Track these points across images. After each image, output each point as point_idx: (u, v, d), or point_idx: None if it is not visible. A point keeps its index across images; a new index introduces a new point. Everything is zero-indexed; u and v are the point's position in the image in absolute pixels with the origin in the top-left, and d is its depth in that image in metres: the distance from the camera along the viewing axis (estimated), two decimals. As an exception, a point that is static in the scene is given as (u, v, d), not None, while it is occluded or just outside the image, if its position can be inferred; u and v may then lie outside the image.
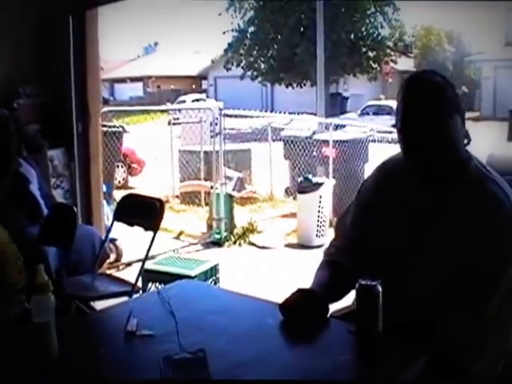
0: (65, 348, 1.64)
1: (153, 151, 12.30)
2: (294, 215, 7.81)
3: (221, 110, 7.77)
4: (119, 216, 3.87)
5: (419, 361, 1.64)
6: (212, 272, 4.53)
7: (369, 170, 8.54)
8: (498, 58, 27.17)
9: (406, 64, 33.50)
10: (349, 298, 2.07)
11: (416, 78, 1.92)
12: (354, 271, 1.94)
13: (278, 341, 1.85)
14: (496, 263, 1.75)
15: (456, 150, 1.82)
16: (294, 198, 9.05)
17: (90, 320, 2.27)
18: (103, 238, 4.15)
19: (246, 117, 11.71)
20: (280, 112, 11.50)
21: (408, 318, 1.79)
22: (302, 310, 1.84)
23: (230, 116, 8.30)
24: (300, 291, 1.90)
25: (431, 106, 1.77)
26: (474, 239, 1.76)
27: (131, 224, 3.76)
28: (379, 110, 21.82)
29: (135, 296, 3.42)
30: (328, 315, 1.94)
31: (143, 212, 3.65)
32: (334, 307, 2.06)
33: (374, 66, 24.45)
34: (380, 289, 1.66)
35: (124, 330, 1.81)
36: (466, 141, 1.84)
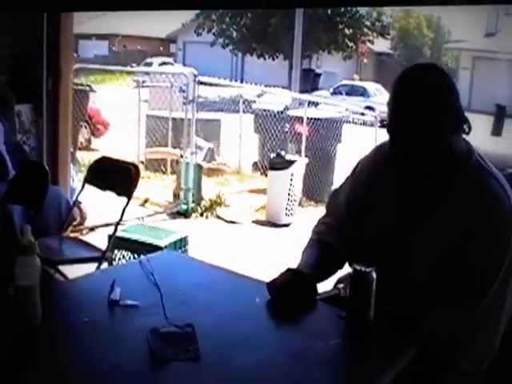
0: (47, 315, 1.60)
1: (118, 113, 11.97)
2: (262, 191, 7.69)
3: (195, 76, 7.51)
4: (90, 179, 3.75)
5: (409, 351, 1.62)
6: (181, 243, 4.46)
7: (341, 150, 8.47)
8: (477, 48, 27.29)
9: (382, 45, 33.51)
10: (330, 282, 2.09)
11: (409, 72, 1.82)
12: (342, 253, 1.97)
13: (266, 321, 1.84)
14: (491, 261, 1.71)
15: (450, 147, 1.76)
16: (263, 174, 8.94)
17: (69, 287, 2.18)
18: (69, 199, 4.04)
19: (215, 85, 11.44)
20: (251, 83, 11.28)
21: (396, 308, 1.78)
22: (290, 290, 1.83)
23: (201, 83, 8.07)
24: (289, 271, 1.90)
25: (424, 114, 1.70)
26: (468, 235, 1.71)
27: (103, 188, 3.68)
28: (352, 91, 21.72)
29: (105, 264, 3.36)
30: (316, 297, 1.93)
31: (117, 177, 3.58)
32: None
33: (350, 44, 24.33)
34: (374, 275, 1.65)
35: (107, 299, 1.77)
36: (466, 129, 1.76)
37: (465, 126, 1.75)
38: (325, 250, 2.01)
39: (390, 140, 1.80)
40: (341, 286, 2.08)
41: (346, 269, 2.04)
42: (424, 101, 1.70)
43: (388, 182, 1.89)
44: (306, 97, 9.80)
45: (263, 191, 7.59)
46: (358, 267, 1.67)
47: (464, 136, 1.80)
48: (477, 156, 1.81)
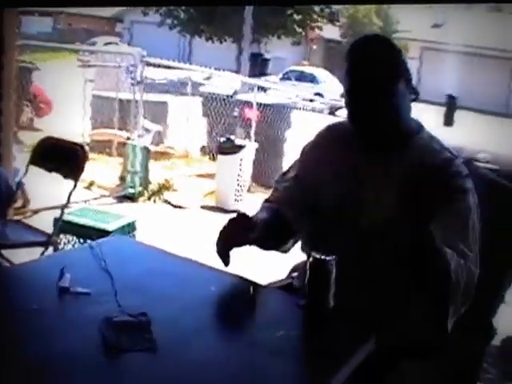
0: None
1: (62, 93, 11.64)
2: (210, 176, 7.64)
3: (143, 57, 7.37)
4: (36, 160, 3.62)
5: (369, 341, 1.60)
6: (129, 228, 4.37)
7: (291, 136, 8.47)
8: (425, 38, 27.77)
9: (332, 32, 33.73)
10: (284, 271, 2.09)
11: (360, 42, 1.88)
12: (293, 225, 1.94)
13: (223, 310, 1.80)
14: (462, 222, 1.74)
15: (402, 115, 1.83)
16: (211, 158, 8.87)
17: (15, 272, 2.08)
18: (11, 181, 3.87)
19: (163, 67, 11.25)
20: (199, 66, 11.13)
21: (356, 297, 1.74)
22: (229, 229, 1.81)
23: (149, 64, 7.94)
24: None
25: (374, 71, 1.77)
26: (429, 202, 1.67)
27: (49, 170, 3.55)
28: (301, 77, 21.75)
29: (51, 248, 3.30)
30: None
31: (63, 158, 3.49)
32: (270, 279, 2.08)
33: (299, 30, 24.31)
34: (334, 264, 1.64)
35: (56, 286, 1.69)
36: (413, 97, 1.83)
37: (413, 96, 1.83)
38: (276, 215, 1.95)
39: (350, 112, 1.84)
40: (295, 274, 2.07)
41: (300, 257, 2.03)
42: (376, 65, 1.78)
43: (340, 155, 1.90)
44: (255, 81, 9.74)
45: (212, 176, 7.54)
46: (317, 255, 1.65)
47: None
48: (427, 131, 1.89)
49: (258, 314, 1.79)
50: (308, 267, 1.68)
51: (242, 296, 1.81)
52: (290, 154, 8.31)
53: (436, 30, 27.69)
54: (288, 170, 2.07)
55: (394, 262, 1.73)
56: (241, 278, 1.87)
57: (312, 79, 21.37)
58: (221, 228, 1.84)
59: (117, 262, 1.88)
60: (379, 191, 1.81)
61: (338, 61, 32.36)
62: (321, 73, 23.46)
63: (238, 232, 1.81)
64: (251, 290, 1.80)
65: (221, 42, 23.98)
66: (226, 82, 10.91)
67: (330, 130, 2.04)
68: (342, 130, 1.96)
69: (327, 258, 1.65)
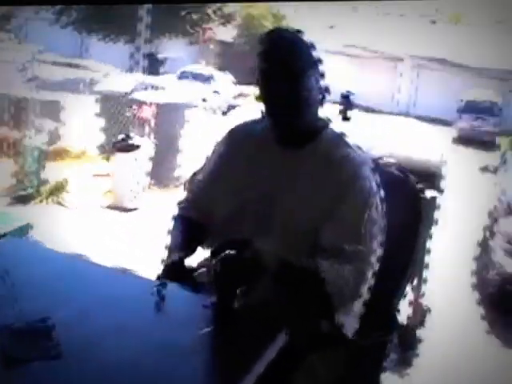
0: None
1: None
2: (108, 175, 7.57)
3: (37, 54, 7.23)
4: None
5: (279, 339, 1.60)
6: (24, 230, 4.29)
7: (187, 135, 8.56)
8: (320, 40, 28.50)
9: (227, 33, 33.87)
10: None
11: (271, 34, 1.90)
12: (205, 226, 1.97)
13: (130, 312, 1.69)
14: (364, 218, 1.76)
15: (313, 107, 1.85)
16: (107, 157, 8.78)
17: None
18: None
19: (58, 64, 11.02)
20: (95, 64, 10.99)
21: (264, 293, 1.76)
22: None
23: (44, 62, 7.78)
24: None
25: (286, 61, 1.78)
26: (328, 195, 1.78)
27: None
28: (197, 76, 21.74)
29: None
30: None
31: None
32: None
33: (195, 30, 24.22)
34: (243, 261, 1.63)
35: None
36: (321, 96, 1.85)
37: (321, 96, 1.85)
38: (188, 227, 2.01)
39: (264, 96, 1.84)
40: (200, 271, 2.04)
41: (204, 254, 2.04)
42: (292, 51, 1.80)
43: (250, 153, 1.92)
44: (151, 80, 9.75)
45: (109, 175, 7.50)
46: (223, 254, 1.63)
47: None
48: (332, 127, 1.92)
49: (165, 314, 1.74)
50: (218, 265, 1.66)
51: (147, 296, 1.72)
52: (187, 151, 8.43)
53: (332, 30, 28.57)
54: (200, 169, 2.10)
55: (306, 255, 1.75)
56: (144, 277, 1.85)
57: (207, 79, 21.42)
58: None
59: (14, 264, 1.77)
60: (293, 183, 1.83)
61: (233, 61, 32.70)
62: (216, 73, 23.61)
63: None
64: (156, 289, 1.73)
65: (116, 42, 23.55)
66: (122, 81, 10.81)
67: (242, 126, 2.04)
68: (254, 126, 1.98)
69: (234, 254, 1.63)
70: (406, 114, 29.51)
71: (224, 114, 12.73)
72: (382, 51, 31.29)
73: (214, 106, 11.16)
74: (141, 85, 10.35)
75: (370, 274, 1.76)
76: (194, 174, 2.10)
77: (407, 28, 33.38)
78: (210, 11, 24.37)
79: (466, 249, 6.93)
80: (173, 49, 26.78)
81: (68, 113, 10.01)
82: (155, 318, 1.71)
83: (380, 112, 26.67)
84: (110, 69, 9.88)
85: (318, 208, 1.79)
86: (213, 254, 1.71)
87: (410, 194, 2.09)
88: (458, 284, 5.91)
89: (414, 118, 27.50)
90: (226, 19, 29.93)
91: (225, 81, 22.93)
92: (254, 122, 2.00)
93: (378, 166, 1.98)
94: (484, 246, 6.34)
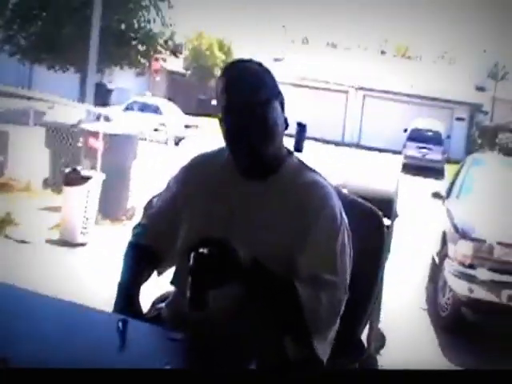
0: None
1: None
2: (55, 209, 7.40)
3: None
4: None
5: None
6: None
7: (137, 167, 8.45)
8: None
9: (175, 64, 33.98)
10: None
11: (234, 65, 1.87)
12: (161, 252, 1.95)
13: (92, 349, 1.57)
14: (329, 245, 1.75)
15: (278, 138, 1.82)
16: (54, 191, 8.59)
17: None
18: None
19: (2, 95, 10.77)
20: (42, 94, 10.77)
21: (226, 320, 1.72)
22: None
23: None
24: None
25: (252, 92, 1.75)
26: (299, 225, 1.76)
27: None
28: (145, 107, 21.67)
29: None
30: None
31: None
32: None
33: (143, 61, 24.16)
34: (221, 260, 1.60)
35: None
36: (284, 126, 1.84)
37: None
38: (141, 254, 1.97)
39: (224, 124, 1.80)
40: (160, 305, 2.02)
41: (165, 287, 2.02)
42: (251, 76, 1.78)
43: (211, 184, 1.88)
44: (100, 111, 9.62)
45: (56, 209, 7.32)
46: (202, 250, 1.59)
47: None
48: (295, 155, 1.91)
49: (130, 349, 1.61)
50: (191, 261, 1.60)
51: (109, 331, 1.64)
52: (137, 184, 8.33)
53: (276, 63, 28.99)
54: (157, 195, 2.06)
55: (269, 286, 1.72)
56: (105, 312, 1.80)
57: (155, 110, 21.39)
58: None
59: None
60: (255, 214, 1.80)
61: (181, 92, 32.78)
62: (164, 104, 23.60)
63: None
64: (120, 324, 1.63)
65: (63, 71, 23.24)
66: (69, 112, 10.64)
67: (204, 156, 2.01)
68: (216, 156, 1.94)
69: (210, 251, 1.59)
70: (356, 144, 30.15)
71: (175, 144, 12.68)
72: (330, 82, 31.88)
73: (163, 137, 11.07)
74: (89, 115, 10.21)
75: (344, 301, 1.76)
76: (151, 201, 2.07)
77: (355, 60, 34.24)
78: (159, 42, 24.33)
79: (417, 275, 7.01)
80: (121, 79, 26.69)
81: (14, 145, 9.78)
82: (120, 354, 1.61)
83: (330, 142, 27.12)
84: (58, 99, 9.69)
85: (288, 236, 1.76)
86: (187, 251, 1.63)
87: (374, 221, 2.09)
88: (410, 309, 5.95)
89: (363, 147, 28.14)
90: (175, 50, 30.10)
91: (172, 112, 22.90)
92: (213, 154, 1.96)
93: (340, 193, 1.98)
94: (435, 270, 6.43)
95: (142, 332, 1.74)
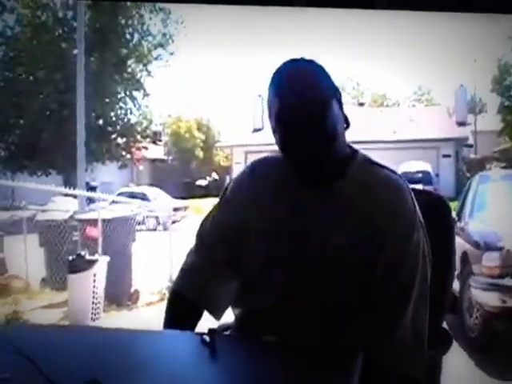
0: None
1: None
2: (57, 305, 7.37)
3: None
4: None
5: None
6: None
7: (135, 249, 8.39)
8: (247, 143, 29.31)
9: (156, 151, 34.24)
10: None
11: (284, 67, 1.66)
12: (201, 302, 1.80)
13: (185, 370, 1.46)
14: (408, 261, 1.63)
15: (340, 140, 1.64)
16: (53, 288, 8.46)
17: None
18: None
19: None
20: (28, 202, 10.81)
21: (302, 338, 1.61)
22: None
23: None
24: None
25: (306, 94, 1.57)
26: (379, 234, 1.62)
27: None
28: (132, 197, 21.73)
29: None
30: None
31: None
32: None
33: (124, 153, 24.24)
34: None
35: None
36: (345, 125, 1.68)
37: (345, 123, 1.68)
38: (182, 310, 1.82)
39: (278, 134, 1.62)
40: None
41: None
42: (305, 79, 1.60)
43: (272, 193, 1.72)
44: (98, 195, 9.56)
45: (58, 305, 7.26)
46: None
47: None
48: (362, 153, 1.74)
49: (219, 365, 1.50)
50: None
51: (194, 350, 1.57)
52: (138, 267, 8.22)
53: (257, 133, 29.43)
54: (207, 218, 1.86)
55: (346, 289, 1.63)
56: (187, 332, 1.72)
57: (143, 198, 21.47)
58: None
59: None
60: (324, 221, 1.65)
61: (165, 178, 32.93)
62: (150, 191, 23.70)
63: None
64: (206, 339, 1.53)
65: (46, 176, 23.25)
66: (60, 209, 10.61)
67: (256, 166, 1.82)
68: (272, 165, 1.78)
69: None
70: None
71: (165, 230, 12.61)
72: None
73: (153, 224, 10.99)
74: (79, 210, 10.23)
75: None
76: (204, 222, 1.87)
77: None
78: (138, 131, 24.47)
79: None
80: (104, 174, 26.78)
81: (8, 249, 9.64)
82: (210, 371, 1.49)
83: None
84: (46, 201, 9.72)
85: (362, 242, 1.63)
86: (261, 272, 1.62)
87: (443, 208, 2.05)
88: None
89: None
90: (155, 138, 30.42)
91: (160, 197, 22.93)
92: (276, 159, 1.76)
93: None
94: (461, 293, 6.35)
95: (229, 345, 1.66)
